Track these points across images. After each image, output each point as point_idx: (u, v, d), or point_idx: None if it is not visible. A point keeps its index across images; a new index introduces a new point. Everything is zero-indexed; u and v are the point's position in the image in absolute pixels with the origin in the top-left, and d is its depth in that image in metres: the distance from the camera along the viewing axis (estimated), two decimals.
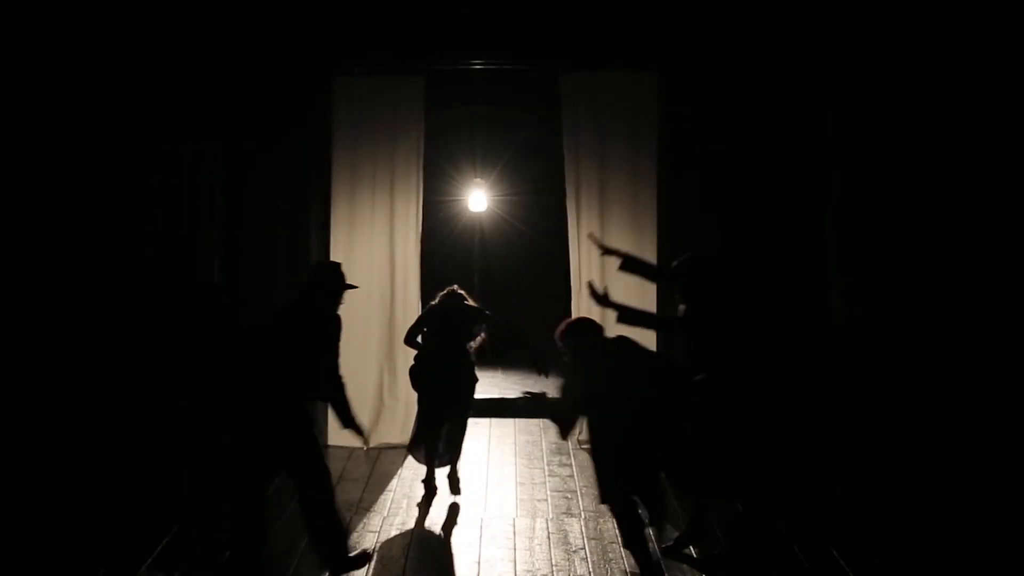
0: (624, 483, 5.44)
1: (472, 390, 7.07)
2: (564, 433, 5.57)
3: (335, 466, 7.33)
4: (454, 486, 7.05)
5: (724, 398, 5.55)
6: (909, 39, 6.52)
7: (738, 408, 5.52)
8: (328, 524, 5.49)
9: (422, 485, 7.07)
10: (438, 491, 7.04)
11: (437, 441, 7.01)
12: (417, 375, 7.03)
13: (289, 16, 7.69)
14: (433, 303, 7.10)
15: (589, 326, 5.64)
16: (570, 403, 5.52)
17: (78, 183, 6.81)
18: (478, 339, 7.10)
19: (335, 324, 5.61)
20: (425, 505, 6.83)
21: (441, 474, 7.11)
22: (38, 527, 6.12)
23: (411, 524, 6.42)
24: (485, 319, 7.07)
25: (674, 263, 5.96)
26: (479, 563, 5.86)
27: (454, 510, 6.77)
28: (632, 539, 5.42)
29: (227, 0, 7.40)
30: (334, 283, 5.75)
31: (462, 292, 7.10)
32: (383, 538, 6.23)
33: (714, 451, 5.55)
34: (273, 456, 5.48)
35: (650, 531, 5.67)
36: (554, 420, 5.61)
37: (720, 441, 5.52)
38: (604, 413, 5.41)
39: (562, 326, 5.65)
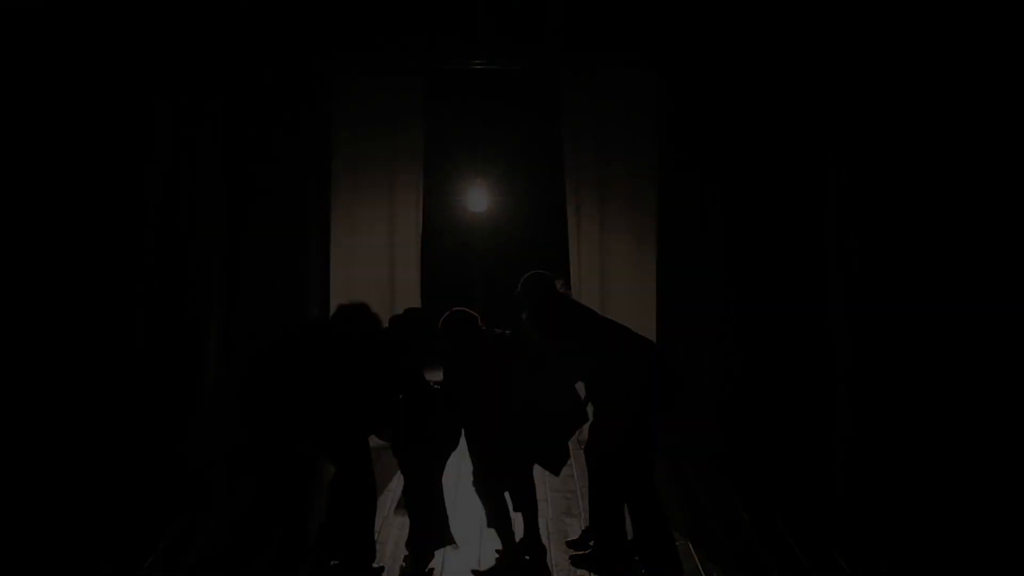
0: (494, 471, 5.74)
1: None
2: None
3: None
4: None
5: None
6: (909, 39, 6.52)
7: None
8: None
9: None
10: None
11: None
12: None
13: (288, 15, 7.69)
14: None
15: (466, 319, 5.77)
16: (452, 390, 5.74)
17: (78, 182, 6.82)
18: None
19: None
20: None
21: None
22: (38, 526, 6.13)
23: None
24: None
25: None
26: (479, 562, 5.87)
27: (453, 510, 6.72)
28: (497, 520, 5.76)
29: (227, 0, 7.41)
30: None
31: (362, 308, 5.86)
32: (383, 539, 6.22)
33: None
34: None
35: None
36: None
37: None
38: (478, 405, 5.63)
39: (446, 315, 5.81)
